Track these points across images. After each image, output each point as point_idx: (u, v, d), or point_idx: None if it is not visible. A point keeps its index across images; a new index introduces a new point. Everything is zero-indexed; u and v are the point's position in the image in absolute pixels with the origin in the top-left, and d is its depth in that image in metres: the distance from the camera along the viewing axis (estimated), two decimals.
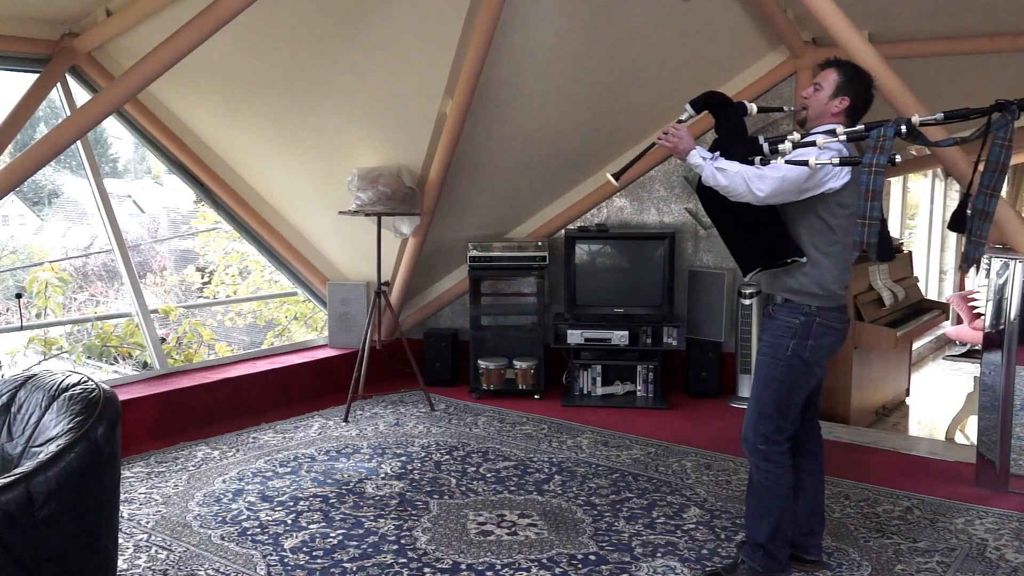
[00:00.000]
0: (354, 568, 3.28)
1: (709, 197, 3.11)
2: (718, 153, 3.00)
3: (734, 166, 2.92)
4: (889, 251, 3.11)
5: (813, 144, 2.85)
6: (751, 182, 2.88)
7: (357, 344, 5.79)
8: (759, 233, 3.06)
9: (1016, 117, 2.73)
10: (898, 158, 2.77)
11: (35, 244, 10.45)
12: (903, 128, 2.77)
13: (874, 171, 2.74)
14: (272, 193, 5.92)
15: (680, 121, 3.12)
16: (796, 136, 2.95)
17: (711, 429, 5.14)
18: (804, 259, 3.00)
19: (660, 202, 6.15)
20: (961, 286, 9.57)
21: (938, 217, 9.76)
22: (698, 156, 2.98)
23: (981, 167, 2.85)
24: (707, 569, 3.27)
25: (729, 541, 3.53)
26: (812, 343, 3.02)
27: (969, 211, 2.90)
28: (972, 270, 2.94)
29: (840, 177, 2.89)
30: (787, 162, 2.84)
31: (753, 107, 3.22)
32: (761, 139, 3.05)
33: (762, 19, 5.13)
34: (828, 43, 5.00)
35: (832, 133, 2.91)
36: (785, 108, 3.50)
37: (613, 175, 3.23)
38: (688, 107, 3.17)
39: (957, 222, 2.93)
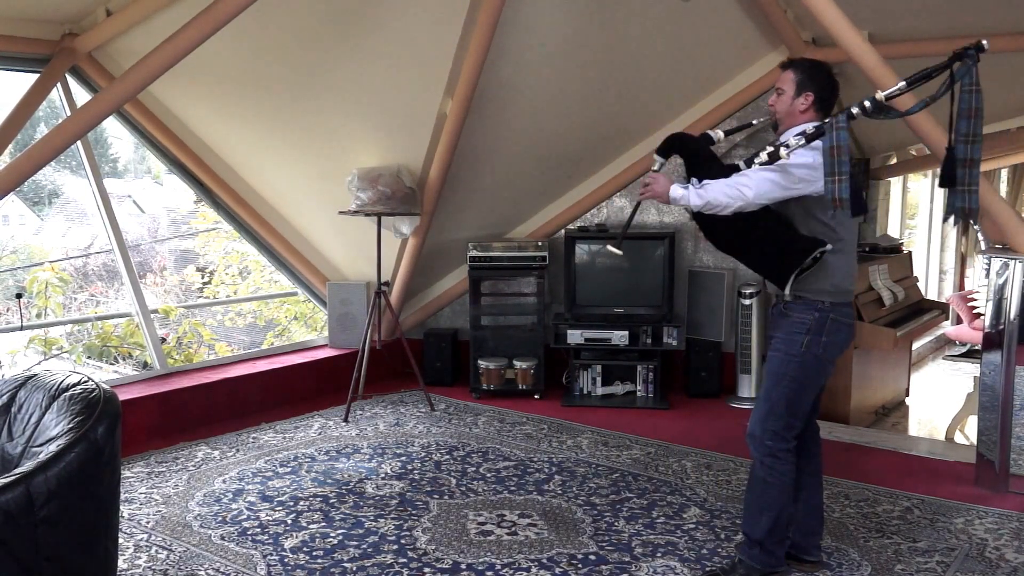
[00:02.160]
0: (354, 568, 3.28)
1: (714, 231, 3.18)
2: (695, 180, 3.07)
3: (715, 183, 2.99)
4: (862, 205, 3.11)
5: (779, 152, 2.90)
6: (736, 187, 2.94)
7: (357, 344, 5.79)
8: (774, 243, 3.07)
9: (976, 61, 2.74)
10: (855, 110, 2.77)
11: (35, 244, 10.48)
12: (866, 104, 2.77)
13: (836, 128, 2.76)
14: (272, 193, 5.92)
15: (654, 171, 3.19)
16: (770, 149, 2.97)
17: (711, 429, 5.14)
18: (829, 246, 2.98)
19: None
20: (961, 286, 9.57)
21: (938, 217, 9.75)
22: (678, 190, 3.05)
23: (955, 116, 2.84)
24: (707, 569, 3.27)
25: (729, 541, 3.53)
26: (826, 339, 3.02)
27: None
28: (978, 239, 2.89)
29: (820, 183, 2.90)
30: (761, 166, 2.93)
31: (720, 133, 3.30)
32: (741, 163, 3.12)
33: (762, 19, 5.13)
34: (828, 43, 5.00)
35: (802, 135, 2.94)
36: (754, 122, 3.52)
37: (614, 245, 3.36)
38: (656, 156, 3.23)
39: (946, 176, 2.86)
